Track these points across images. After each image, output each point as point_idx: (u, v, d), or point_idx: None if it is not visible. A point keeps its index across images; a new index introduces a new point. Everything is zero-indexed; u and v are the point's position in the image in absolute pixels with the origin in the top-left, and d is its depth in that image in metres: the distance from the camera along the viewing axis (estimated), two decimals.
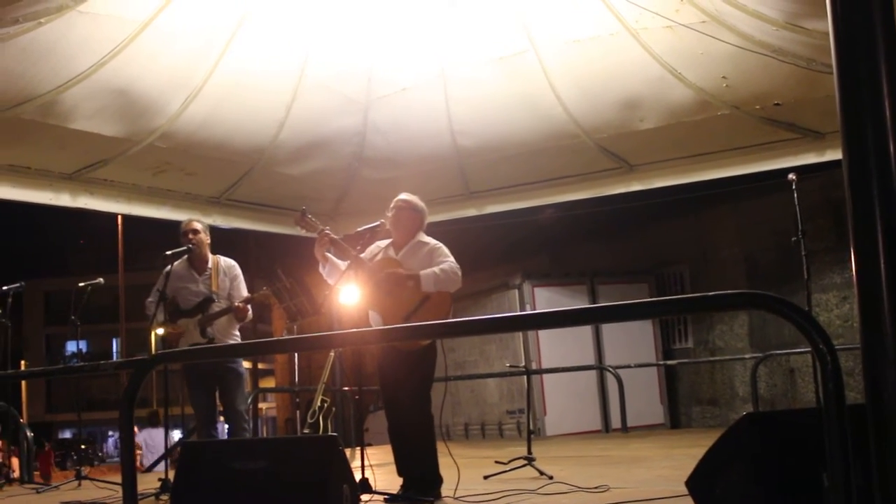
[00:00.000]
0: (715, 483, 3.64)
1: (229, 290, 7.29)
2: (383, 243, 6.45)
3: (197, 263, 7.35)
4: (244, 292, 7.35)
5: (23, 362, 32.93)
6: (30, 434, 9.76)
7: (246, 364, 33.12)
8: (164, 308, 7.02)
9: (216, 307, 7.15)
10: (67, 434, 37.21)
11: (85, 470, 8.81)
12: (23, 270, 33.74)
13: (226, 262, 7.47)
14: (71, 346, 37.75)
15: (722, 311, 13.17)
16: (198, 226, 7.45)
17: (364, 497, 5.89)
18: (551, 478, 6.66)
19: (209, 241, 7.47)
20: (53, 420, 40.15)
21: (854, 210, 2.82)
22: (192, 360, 7.15)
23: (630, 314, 4.15)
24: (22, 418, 11.36)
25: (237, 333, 7.41)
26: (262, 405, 33.53)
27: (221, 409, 7.36)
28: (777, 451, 3.45)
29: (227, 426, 7.41)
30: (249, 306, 7.20)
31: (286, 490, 4.34)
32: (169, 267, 7.11)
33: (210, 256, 7.42)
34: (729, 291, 3.24)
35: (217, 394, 7.28)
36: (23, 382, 34.39)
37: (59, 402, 41.80)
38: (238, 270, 7.47)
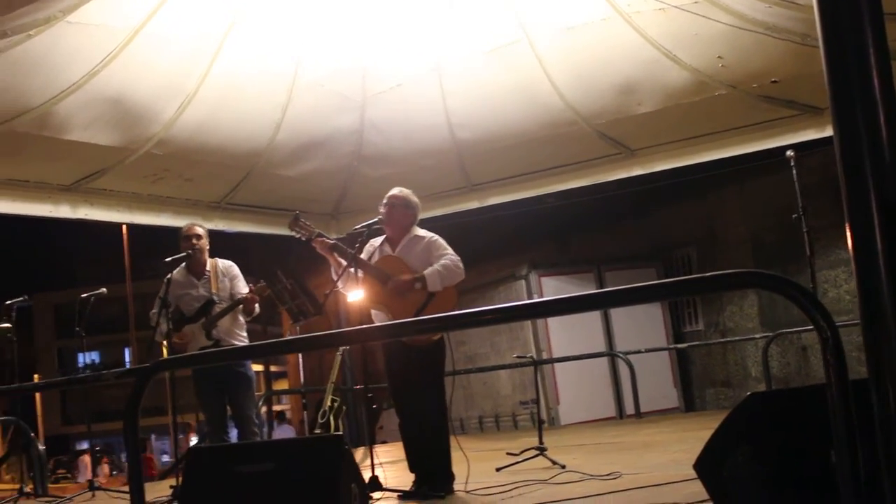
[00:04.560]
0: (722, 465, 3.61)
1: (230, 291, 7.25)
2: (377, 241, 6.43)
3: (195, 269, 7.31)
4: (245, 290, 7.30)
5: (36, 376, 33.03)
6: (41, 447, 9.76)
7: (258, 367, 33.21)
8: (168, 317, 6.98)
9: (218, 308, 7.12)
10: (85, 445, 37.33)
11: (98, 480, 8.80)
12: (31, 284, 33.86)
13: (223, 263, 7.43)
14: (83, 358, 37.82)
15: (719, 291, 13.15)
16: (199, 230, 7.42)
17: (375, 495, 5.88)
18: (563, 467, 6.64)
19: (208, 246, 7.45)
20: (69, 432, 40.26)
21: (847, 186, 2.78)
22: (191, 365, 7.13)
23: (627, 299, 4.12)
24: (35, 432, 11.38)
25: (244, 335, 7.35)
26: (277, 407, 33.58)
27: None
28: (783, 429, 3.42)
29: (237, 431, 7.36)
30: (257, 297, 7.11)
31: (293, 491, 4.32)
32: (169, 275, 7.09)
33: (208, 260, 7.39)
34: (726, 272, 3.21)
35: (227, 399, 7.23)
36: (37, 396, 34.51)
37: (75, 415, 41.91)
38: (236, 270, 7.43)
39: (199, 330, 7.11)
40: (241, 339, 7.31)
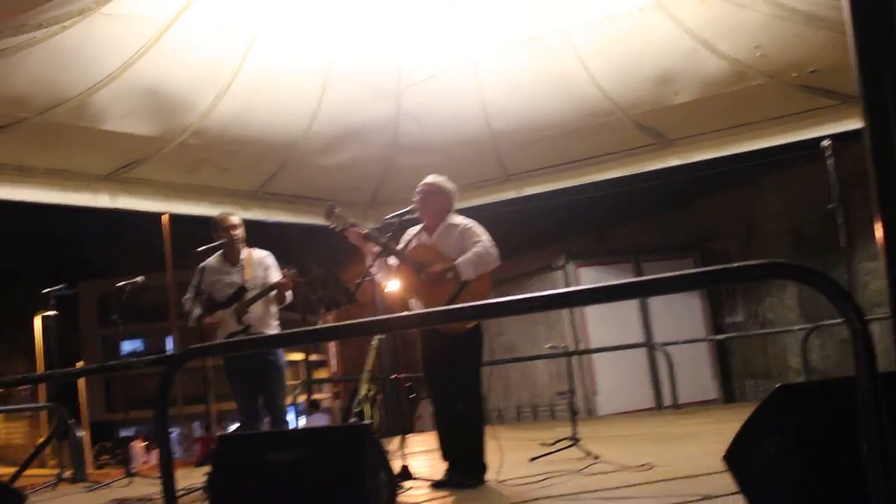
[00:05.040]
0: (753, 456, 3.57)
1: (264, 280, 7.28)
2: (415, 229, 6.42)
3: (231, 257, 7.36)
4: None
5: (80, 363, 33.38)
6: (80, 433, 9.87)
7: (299, 356, 33.31)
8: (201, 303, 7.03)
9: (250, 296, 7.15)
10: (127, 432, 37.73)
11: (136, 468, 8.90)
12: (77, 274, 34.32)
13: (259, 253, 7.47)
14: (127, 346, 38.15)
15: (748, 281, 12.98)
16: (234, 220, 7.45)
17: (406, 484, 5.90)
18: (597, 458, 6.62)
19: (244, 236, 7.48)
20: (113, 419, 40.62)
21: (877, 177, 2.75)
22: (223, 353, 7.17)
23: (654, 288, 4.08)
24: (79, 419, 11.52)
25: (276, 323, 7.38)
26: (316, 395, 33.72)
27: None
28: (813, 421, 3.38)
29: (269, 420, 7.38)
30: (290, 284, 7.12)
31: (322, 479, 4.33)
32: (203, 263, 7.14)
33: (244, 249, 7.43)
34: (754, 262, 3.18)
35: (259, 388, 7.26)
36: (81, 384, 34.92)
37: (118, 402, 42.35)
38: (272, 260, 7.47)
39: (230, 315, 7.15)
40: (273, 328, 7.34)
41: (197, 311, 7.04)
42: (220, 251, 7.33)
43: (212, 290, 7.25)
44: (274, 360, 7.19)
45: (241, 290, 7.18)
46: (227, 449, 4.84)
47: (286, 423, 7.26)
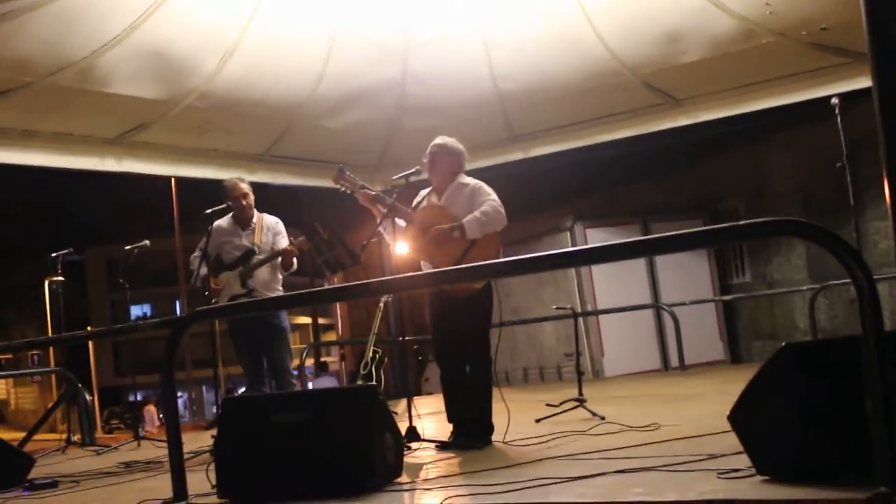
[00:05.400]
0: (756, 416, 3.57)
1: (272, 245, 7.29)
2: (426, 191, 6.40)
3: (242, 220, 7.37)
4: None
5: (89, 328, 33.56)
6: (88, 397, 9.92)
7: (306, 319, 33.44)
8: (207, 264, 7.06)
9: (256, 260, 7.16)
10: (139, 397, 37.90)
11: (146, 430, 8.94)
12: (84, 238, 34.36)
13: (270, 218, 7.49)
14: (135, 311, 38.27)
15: (756, 239, 12.95)
16: (244, 187, 7.44)
17: (412, 445, 5.91)
18: (603, 418, 6.62)
19: (253, 200, 7.48)
20: (122, 384, 40.85)
21: (886, 134, 2.72)
22: (227, 316, 7.17)
23: (663, 247, 4.06)
24: (89, 383, 11.57)
25: (280, 288, 7.39)
26: (325, 358, 33.85)
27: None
28: (817, 381, 3.36)
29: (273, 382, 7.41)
30: (296, 251, 7.12)
31: (327, 441, 4.34)
32: (211, 226, 7.14)
33: (255, 214, 7.44)
34: (763, 220, 3.16)
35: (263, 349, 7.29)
36: (90, 348, 35.12)
37: (127, 366, 42.57)
38: (282, 227, 7.48)
39: (234, 278, 7.18)
40: (277, 292, 7.35)
41: (203, 270, 7.06)
42: (231, 213, 7.33)
43: (220, 252, 7.28)
44: (277, 323, 7.21)
45: (250, 252, 7.20)
46: (232, 411, 4.85)
47: (291, 385, 7.29)
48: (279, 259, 7.20)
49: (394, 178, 6.34)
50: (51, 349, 27.80)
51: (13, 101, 8.27)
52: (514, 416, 6.08)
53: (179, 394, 41.12)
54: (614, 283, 14.78)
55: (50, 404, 13.45)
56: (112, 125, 9.35)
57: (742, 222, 3.10)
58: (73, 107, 8.73)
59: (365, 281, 4.04)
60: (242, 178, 7.62)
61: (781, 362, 3.49)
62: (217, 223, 7.25)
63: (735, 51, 9.43)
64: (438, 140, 6.36)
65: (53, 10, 7.51)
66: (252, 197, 7.46)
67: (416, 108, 10.83)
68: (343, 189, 6.42)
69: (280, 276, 7.39)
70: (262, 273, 7.21)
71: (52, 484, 6.00)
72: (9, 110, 8.44)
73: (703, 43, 9.49)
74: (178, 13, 8.32)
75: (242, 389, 19.55)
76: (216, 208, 7.11)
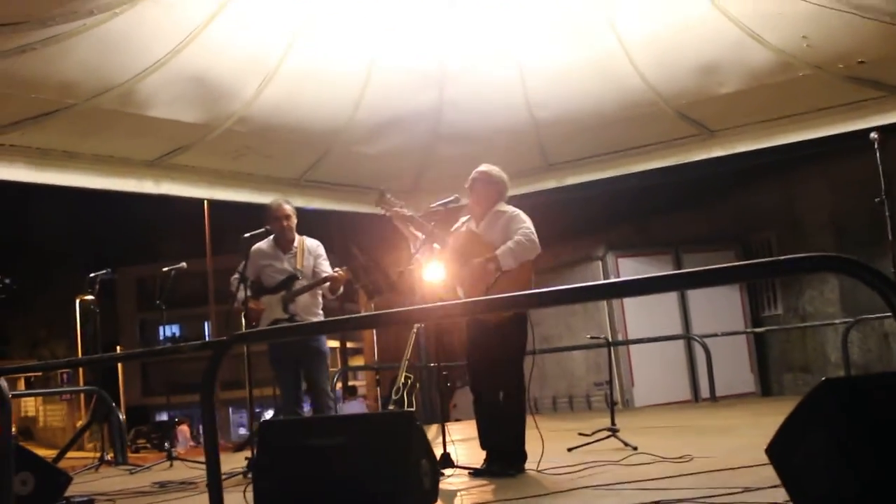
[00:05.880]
0: (795, 450, 3.56)
1: (314, 269, 7.33)
2: (465, 217, 6.46)
3: (283, 243, 7.40)
4: (329, 270, 7.36)
5: (118, 347, 33.80)
6: (122, 417, 10.00)
7: (334, 343, 33.48)
8: (248, 287, 7.09)
9: (299, 284, 7.20)
10: (164, 416, 38.02)
11: (177, 451, 9.01)
12: (116, 258, 34.64)
13: (311, 242, 7.53)
14: (164, 331, 38.50)
15: (795, 274, 12.89)
16: (288, 209, 7.47)
17: (446, 471, 5.92)
18: (635, 448, 6.62)
19: (296, 223, 7.53)
20: (149, 403, 41.11)
21: None
22: (268, 340, 7.22)
23: (700, 281, 4.05)
24: (117, 402, 11.64)
25: (320, 312, 7.43)
26: (352, 382, 33.89)
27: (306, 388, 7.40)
28: (858, 416, 3.35)
29: (311, 405, 7.45)
30: (345, 277, 7.15)
31: (364, 465, 4.36)
32: (255, 246, 7.19)
33: (296, 237, 7.48)
34: (802, 255, 3.15)
35: (302, 373, 7.32)
36: (119, 367, 35.33)
37: (155, 386, 42.72)
38: (322, 250, 7.52)
39: (276, 302, 7.20)
40: (318, 317, 7.39)
41: (242, 293, 7.09)
42: (272, 236, 7.37)
43: (261, 275, 7.31)
44: (317, 346, 7.25)
45: (292, 277, 7.23)
46: (270, 434, 4.88)
47: (330, 408, 7.32)
48: (326, 284, 7.25)
49: (432, 205, 6.39)
50: (80, 368, 27.99)
51: (56, 123, 8.38)
52: (546, 445, 6.09)
53: None
54: (645, 313, 14.77)
55: (78, 422, 13.56)
56: (151, 148, 9.46)
57: (785, 257, 3.08)
58: (113, 129, 8.84)
59: (405, 308, 4.07)
60: (288, 200, 7.67)
61: (821, 398, 3.48)
62: (256, 246, 7.29)
63: (771, 83, 9.42)
64: (483, 167, 6.43)
65: (97, 35, 7.62)
66: (294, 220, 7.49)
67: (452, 134, 10.87)
68: (384, 212, 6.49)
69: (320, 301, 7.43)
70: (304, 297, 7.23)
71: (90, 502, 6.06)
72: (52, 132, 8.55)
73: (739, 75, 9.49)
74: (219, 39, 8.41)
75: (270, 413, 19.61)
76: (255, 232, 7.15)
